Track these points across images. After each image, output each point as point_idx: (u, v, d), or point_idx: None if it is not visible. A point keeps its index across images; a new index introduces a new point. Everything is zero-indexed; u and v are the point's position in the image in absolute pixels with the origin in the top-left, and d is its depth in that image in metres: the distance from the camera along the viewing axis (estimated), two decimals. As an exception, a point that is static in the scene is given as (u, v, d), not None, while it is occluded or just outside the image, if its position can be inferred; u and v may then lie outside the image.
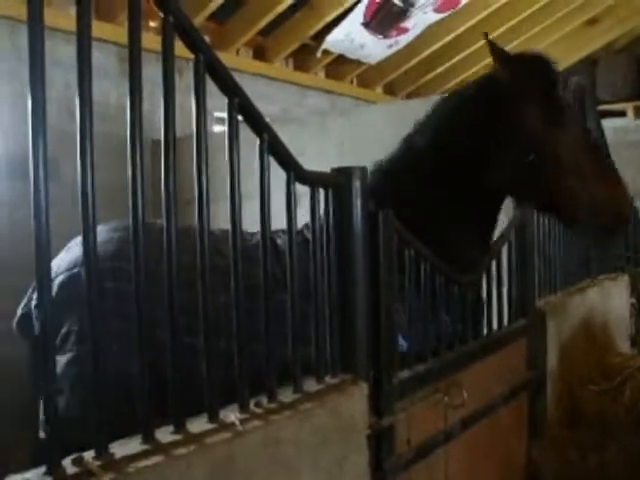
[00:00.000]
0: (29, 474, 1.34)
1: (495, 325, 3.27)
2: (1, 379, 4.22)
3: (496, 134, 2.98)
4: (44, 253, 1.42)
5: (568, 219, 3.17)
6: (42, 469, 1.37)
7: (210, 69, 1.77)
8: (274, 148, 1.98)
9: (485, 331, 3.15)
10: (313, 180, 2.15)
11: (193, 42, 1.73)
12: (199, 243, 1.79)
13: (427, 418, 2.56)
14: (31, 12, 1.42)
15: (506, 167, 2.98)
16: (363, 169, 2.27)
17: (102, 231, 2.63)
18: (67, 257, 2.81)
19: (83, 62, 1.51)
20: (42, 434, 2.73)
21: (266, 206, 1.98)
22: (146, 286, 1.64)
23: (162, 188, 1.70)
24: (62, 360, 2.72)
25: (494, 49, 3.08)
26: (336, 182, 2.22)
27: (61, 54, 5.15)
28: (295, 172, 2.06)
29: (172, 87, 1.71)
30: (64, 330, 2.74)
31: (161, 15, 1.67)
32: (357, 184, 2.22)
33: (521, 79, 3.00)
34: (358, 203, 2.22)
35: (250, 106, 1.89)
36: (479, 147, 2.98)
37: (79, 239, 2.83)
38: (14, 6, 5.40)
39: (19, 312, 3.02)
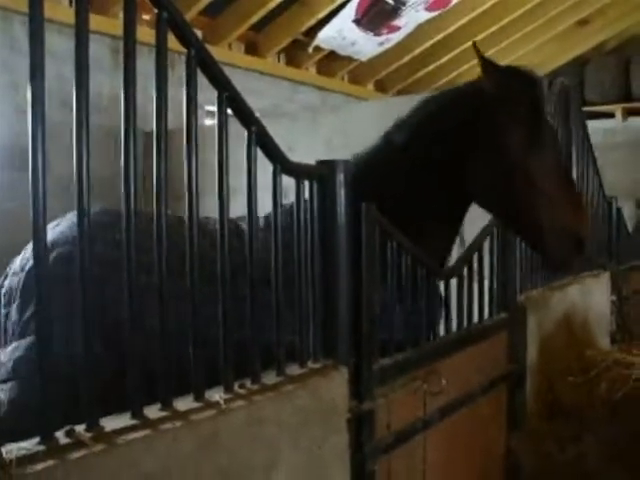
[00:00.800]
0: (24, 443, 1.42)
1: (476, 318, 3.35)
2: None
3: (472, 143, 3.02)
4: (41, 242, 1.49)
5: (528, 239, 3.27)
6: (36, 439, 1.45)
7: (201, 64, 1.84)
8: (261, 141, 2.05)
9: (465, 323, 3.24)
10: (298, 172, 2.23)
11: (185, 37, 1.80)
12: (188, 232, 1.87)
13: (407, 405, 2.64)
14: (32, 4, 1.48)
15: (477, 176, 3.03)
16: (347, 162, 2.35)
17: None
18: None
19: (81, 55, 1.58)
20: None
21: (253, 198, 2.06)
22: (135, 274, 1.72)
23: (154, 179, 1.78)
24: (23, 344, 2.75)
25: (481, 58, 3.07)
26: (320, 174, 2.30)
27: (54, 45, 5.21)
28: (281, 164, 2.14)
29: (164, 80, 1.78)
30: (27, 314, 2.79)
31: (155, 10, 1.75)
32: (341, 176, 2.30)
33: (505, 93, 3.03)
34: (342, 195, 2.30)
35: (239, 100, 1.96)
36: (454, 152, 3.03)
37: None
38: (8, -3, 5.47)
39: None
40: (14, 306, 2.92)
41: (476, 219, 3.45)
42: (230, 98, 1.93)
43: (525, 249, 3.95)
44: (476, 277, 3.36)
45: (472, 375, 3.24)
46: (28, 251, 2.84)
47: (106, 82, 5.85)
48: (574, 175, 4.89)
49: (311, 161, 2.36)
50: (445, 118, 3.12)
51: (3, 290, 3.02)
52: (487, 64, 3.07)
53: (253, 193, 2.06)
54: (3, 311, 3.01)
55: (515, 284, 3.76)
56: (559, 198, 2.99)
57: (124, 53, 1.70)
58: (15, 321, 2.91)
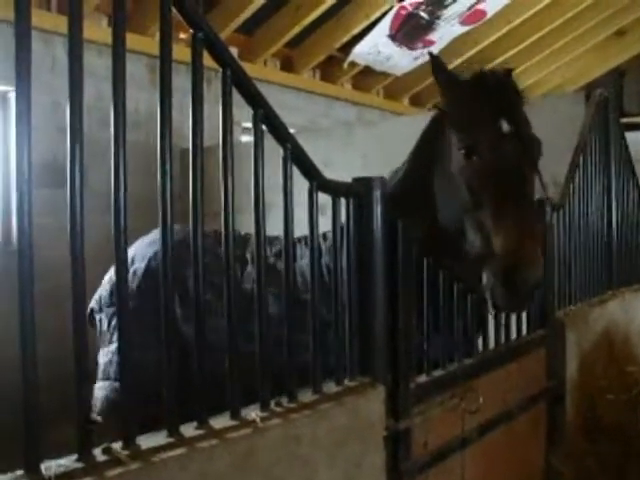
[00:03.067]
0: (62, 460, 1.43)
1: (514, 334, 3.32)
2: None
3: (433, 161, 2.92)
4: (79, 258, 1.50)
5: (470, 271, 2.74)
6: (74, 456, 1.46)
7: (237, 82, 1.86)
8: (297, 158, 2.06)
9: (503, 340, 3.20)
10: (335, 189, 2.23)
11: (220, 56, 1.82)
12: (225, 249, 1.88)
13: (444, 423, 2.61)
14: (71, 28, 1.50)
15: (440, 201, 2.89)
16: (383, 179, 2.34)
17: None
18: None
19: (118, 75, 1.60)
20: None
21: (290, 215, 2.06)
22: (171, 289, 1.73)
23: (190, 196, 1.79)
24: (110, 349, 3.33)
25: (436, 69, 2.92)
26: (357, 191, 2.29)
27: (93, 65, 5.29)
28: (317, 181, 2.14)
29: (200, 98, 1.80)
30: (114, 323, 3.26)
31: (191, 30, 1.76)
32: (377, 193, 2.29)
33: (455, 106, 2.87)
34: (378, 212, 2.29)
35: (274, 117, 1.97)
36: (428, 173, 2.94)
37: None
38: (49, 19, 5.57)
39: (89, 306, 3.57)
40: (102, 315, 3.55)
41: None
42: (265, 115, 1.94)
43: (562, 264, 3.91)
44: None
45: (510, 392, 3.20)
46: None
47: (143, 99, 5.92)
48: (612, 188, 4.83)
49: (347, 177, 2.36)
50: (422, 139, 3.13)
51: (96, 296, 3.61)
52: (440, 75, 2.92)
53: (289, 210, 2.06)
54: (97, 316, 3.60)
55: (553, 300, 3.71)
56: (497, 221, 2.53)
57: (160, 71, 1.72)
58: (105, 329, 3.52)
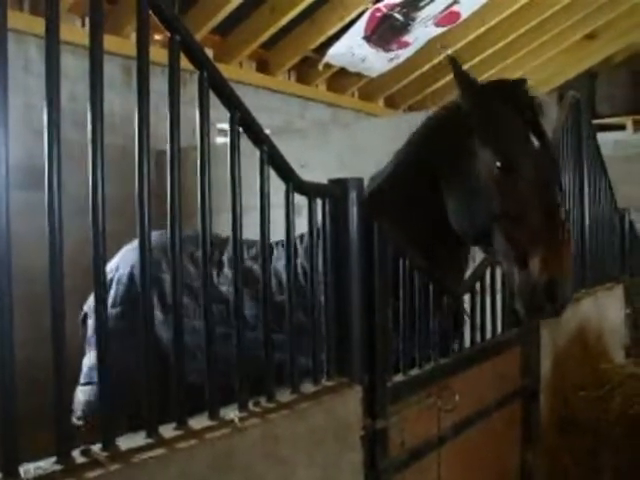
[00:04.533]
0: (41, 463, 1.43)
1: (489, 334, 3.35)
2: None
3: (451, 164, 2.91)
4: (58, 259, 1.51)
5: (506, 278, 2.90)
6: (53, 459, 1.46)
7: (213, 84, 1.86)
8: (273, 159, 2.07)
9: (479, 339, 3.23)
10: (311, 191, 2.24)
11: (197, 59, 1.83)
12: (201, 251, 1.89)
13: (420, 422, 2.64)
14: (48, 28, 1.51)
15: (447, 201, 2.92)
16: (359, 180, 2.36)
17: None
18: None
19: (95, 76, 1.60)
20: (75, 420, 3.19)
21: (266, 216, 2.07)
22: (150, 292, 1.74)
23: (167, 197, 1.80)
24: (93, 354, 3.32)
25: (457, 73, 2.91)
26: (333, 193, 2.31)
27: (68, 66, 5.26)
28: (293, 183, 2.15)
29: (177, 100, 1.80)
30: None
31: (168, 33, 1.77)
32: (353, 195, 2.31)
33: (481, 111, 2.87)
34: (354, 213, 2.31)
35: (250, 119, 1.98)
36: (440, 174, 2.95)
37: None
38: (22, 20, 5.53)
39: (83, 309, 3.74)
40: (91, 320, 3.61)
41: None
42: (241, 117, 1.95)
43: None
44: (488, 292, 3.36)
45: (486, 390, 3.23)
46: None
47: (118, 101, 5.89)
48: (585, 188, 4.89)
49: (323, 177, 2.38)
50: (432, 139, 3.09)
51: (88, 300, 3.68)
52: (463, 79, 2.90)
53: (266, 211, 2.07)
54: (88, 320, 3.69)
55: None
56: (529, 233, 2.61)
57: (137, 73, 1.72)
58: (90, 334, 3.58)
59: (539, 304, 2.59)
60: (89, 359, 3.54)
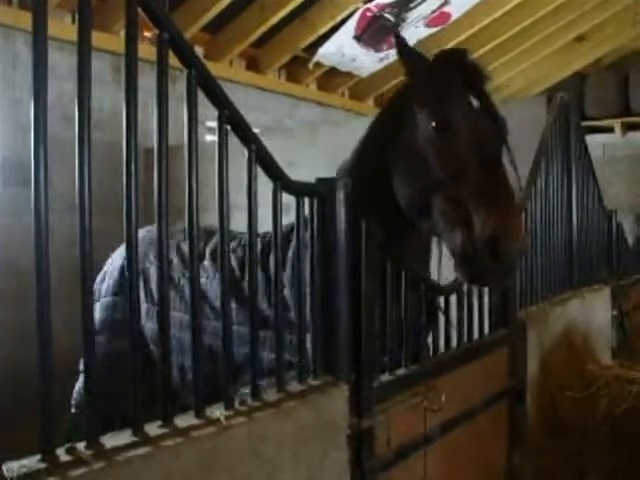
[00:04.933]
0: (25, 461, 1.43)
1: (476, 334, 3.36)
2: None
3: (396, 141, 2.82)
4: (44, 257, 1.50)
5: (448, 245, 2.61)
6: (37, 456, 1.45)
7: (202, 83, 1.86)
8: (262, 158, 2.07)
9: (465, 339, 3.24)
10: (299, 190, 2.24)
11: (186, 57, 1.82)
12: (189, 249, 1.89)
13: (407, 421, 2.64)
14: (35, 23, 1.50)
15: (394, 175, 2.79)
16: (347, 179, 2.36)
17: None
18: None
19: (83, 73, 1.60)
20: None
21: (254, 214, 2.07)
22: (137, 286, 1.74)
23: (155, 195, 1.79)
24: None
25: (402, 47, 2.83)
26: (321, 192, 2.31)
27: (56, 62, 5.25)
28: (281, 182, 2.15)
29: (166, 98, 1.80)
30: None
31: (156, 31, 1.76)
32: (341, 194, 2.31)
33: (419, 77, 2.80)
34: (342, 212, 2.31)
35: (239, 118, 1.98)
36: (390, 155, 2.84)
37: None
38: (10, 14, 5.50)
39: None
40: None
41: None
42: (230, 116, 1.95)
43: (525, 265, 3.97)
44: (476, 293, 3.36)
45: (472, 391, 3.24)
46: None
47: (107, 98, 5.87)
48: (573, 190, 4.91)
49: (312, 177, 2.38)
50: (378, 124, 3.07)
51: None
52: (408, 54, 2.83)
53: (253, 210, 2.07)
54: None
55: (515, 300, 3.77)
56: (468, 193, 2.44)
57: (125, 70, 1.72)
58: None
59: (483, 266, 2.39)
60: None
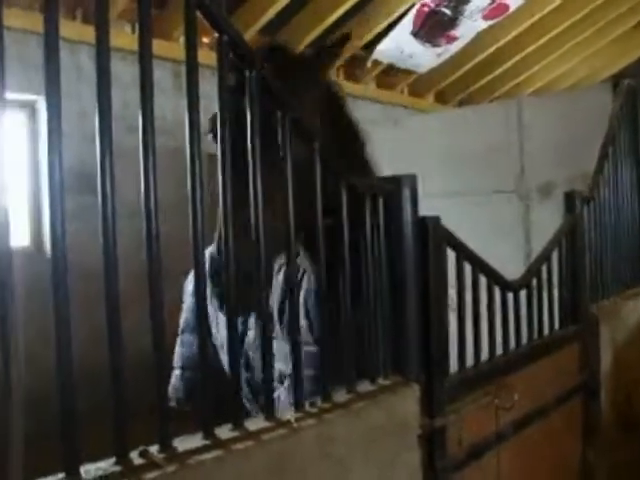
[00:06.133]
0: (101, 464, 1.44)
1: (546, 330, 3.29)
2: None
3: None
4: (112, 262, 1.52)
5: None
6: (112, 460, 1.47)
7: (263, 84, 1.86)
8: (325, 158, 2.05)
9: (536, 335, 3.18)
10: (363, 188, 2.22)
11: (246, 59, 1.82)
12: (257, 251, 1.88)
13: (479, 420, 2.60)
14: (98, 36, 1.51)
15: None
16: (412, 177, 2.33)
17: None
18: None
19: (145, 81, 1.61)
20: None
21: (319, 215, 2.05)
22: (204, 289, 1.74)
23: (219, 201, 1.80)
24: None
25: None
26: (386, 190, 2.29)
27: (118, 72, 5.33)
28: (345, 180, 2.13)
29: (226, 102, 1.79)
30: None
31: (215, 34, 1.77)
32: (407, 192, 2.28)
33: None
34: (408, 209, 2.28)
35: (301, 117, 1.97)
36: None
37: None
38: (74, 29, 5.63)
39: None
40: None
41: (546, 228, 3.41)
42: (293, 118, 1.94)
43: (594, 258, 3.87)
44: (545, 288, 3.30)
45: (544, 388, 3.18)
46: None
47: (169, 105, 5.94)
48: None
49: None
50: None
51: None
52: None
53: (318, 209, 2.05)
54: None
55: (585, 294, 3.68)
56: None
57: (187, 76, 1.72)
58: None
59: None
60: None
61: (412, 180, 2.30)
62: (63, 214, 1.42)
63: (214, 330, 2.92)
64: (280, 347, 2.54)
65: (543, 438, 3.14)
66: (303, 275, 2.75)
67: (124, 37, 5.98)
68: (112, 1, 5.78)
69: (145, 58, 1.61)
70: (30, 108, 5.76)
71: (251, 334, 2.72)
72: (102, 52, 1.53)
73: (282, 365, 2.61)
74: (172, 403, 3.38)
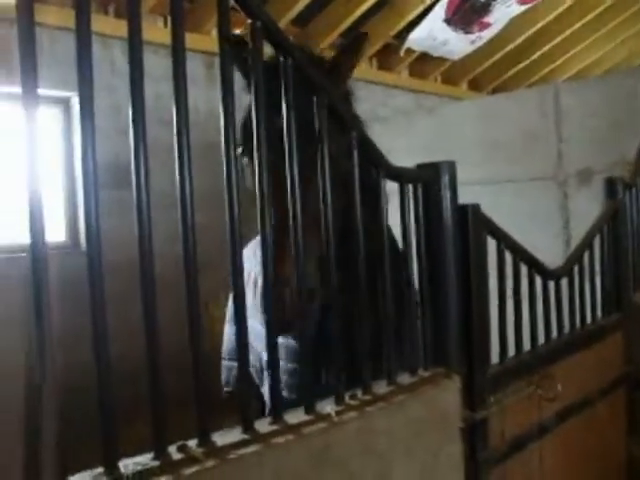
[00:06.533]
0: (139, 458, 1.42)
1: (589, 319, 3.22)
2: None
3: None
4: (148, 256, 1.50)
5: None
6: (150, 454, 1.45)
7: (298, 70, 1.82)
8: (363, 146, 2.01)
9: (578, 324, 3.11)
10: (402, 176, 2.17)
11: (282, 44, 1.78)
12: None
13: (521, 411, 2.54)
14: (131, 29, 1.50)
15: None
16: (451, 163, 2.28)
17: None
18: None
19: (178, 74, 1.59)
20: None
21: (357, 203, 2.01)
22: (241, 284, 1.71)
23: (256, 190, 1.76)
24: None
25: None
26: (425, 177, 2.24)
27: (150, 66, 5.32)
28: (384, 168, 2.09)
29: (261, 93, 1.76)
30: None
31: (248, 20, 1.73)
32: (446, 179, 2.23)
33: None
34: (447, 197, 2.23)
35: (339, 105, 1.93)
36: None
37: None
38: (107, 24, 5.64)
39: None
40: None
41: (585, 215, 3.33)
42: (329, 103, 1.90)
43: (637, 245, 3.78)
44: (587, 276, 3.22)
45: (587, 378, 3.11)
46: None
47: (202, 97, 5.93)
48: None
49: (409, 164, 2.30)
50: None
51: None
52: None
53: (356, 198, 2.01)
54: None
55: (629, 283, 3.59)
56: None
57: (220, 68, 1.69)
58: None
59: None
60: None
61: (451, 167, 2.26)
62: (97, 208, 1.41)
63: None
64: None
65: (587, 431, 3.07)
66: None
67: (156, 31, 5.98)
68: (144, -6, 5.79)
69: (178, 52, 1.60)
70: (64, 104, 5.78)
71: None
72: (135, 46, 1.51)
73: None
74: (226, 389, 3.37)
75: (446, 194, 2.21)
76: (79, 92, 1.41)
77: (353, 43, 2.70)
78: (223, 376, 3.39)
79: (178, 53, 1.60)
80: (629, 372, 3.52)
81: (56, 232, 5.64)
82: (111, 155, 5.17)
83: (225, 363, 3.39)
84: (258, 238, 1.78)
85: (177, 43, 1.60)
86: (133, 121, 1.50)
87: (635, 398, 3.57)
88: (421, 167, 2.26)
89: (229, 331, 3.40)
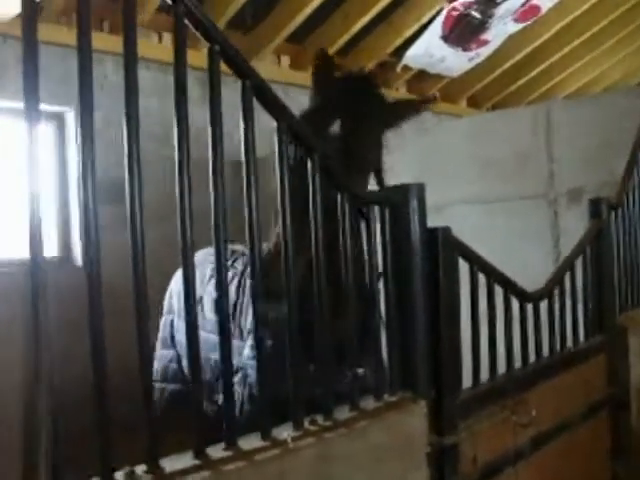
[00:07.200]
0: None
1: (569, 341, 3.19)
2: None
3: None
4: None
5: None
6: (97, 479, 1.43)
7: (257, 93, 1.81)
8: (326, 168, 1.99)
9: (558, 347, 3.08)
10: (367, 199, 2.16)
11: (240, 68, 1.78)
12: (250, 267, 1.83)
13: (495, 437, 2.51)
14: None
15: None
16: (420, 186, 2.26)
17: None
18: None
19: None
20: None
21: (318, 227, 1.99)
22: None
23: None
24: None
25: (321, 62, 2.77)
26: (393, 200, 2.22)
27: (141, 80, 5.33)
28: (348, 194, 2.07)
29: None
30: None
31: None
32: (414, 202, 2.21)
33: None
34: (416, 220, 2.21)
35: (299, 128, 1.92)
36: None
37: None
38: (101, 40, 5.66)
39: None
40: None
41: (575, 233, 3.32)
42: (289, 126, 1.89)
43: (621, 265, 3.75)
44: (569, 298, 3.20)
45: (568, 401, 3.07)
46: None
47: (195, 113, 5.94)
48: None
49: (406, 181, 2.29)
50: None
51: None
52: (320, 68, 2.75)
53: (318, 222, 1.99)
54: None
55: (612, 304, 3.56)
56: None
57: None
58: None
59: None
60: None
61: (420, 190, 2.23)
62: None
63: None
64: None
65: (567, 455, 3.03)
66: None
67: (148, 47, 6.00)
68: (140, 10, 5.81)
69: (179, 69, 1.68)
70: (58, 119, 5.79)
71: (246, 351, 2.66)
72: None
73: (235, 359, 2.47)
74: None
75: (414, 217, 2.19)
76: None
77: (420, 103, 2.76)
78: (155, 398, 3.36)
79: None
80: (613, 394, 3.49)
81: (49, 246, 5.65)
82: (100, 170, 5.17)
83: (157, 385, 3.36)
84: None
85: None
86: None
87: (619, 421, 3.53)
88: (389, 190, 2.25)
89: (160, 353, 3.37)
